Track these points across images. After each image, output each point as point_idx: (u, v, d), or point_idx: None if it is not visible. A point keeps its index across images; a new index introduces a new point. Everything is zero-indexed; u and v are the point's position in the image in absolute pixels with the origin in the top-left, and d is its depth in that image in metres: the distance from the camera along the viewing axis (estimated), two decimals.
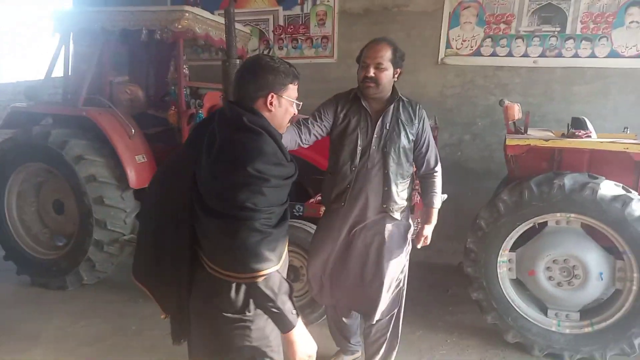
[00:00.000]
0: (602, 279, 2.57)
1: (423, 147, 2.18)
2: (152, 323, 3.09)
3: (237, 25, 3.50)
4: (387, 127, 2.08)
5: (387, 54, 2.04)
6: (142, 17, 3.32)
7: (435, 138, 2.73)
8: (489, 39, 4.25)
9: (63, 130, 3.44)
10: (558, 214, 2.61)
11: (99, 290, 3.57)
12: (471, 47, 4.31)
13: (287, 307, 1.31)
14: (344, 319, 2.42)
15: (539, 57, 4.14)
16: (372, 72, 2.03)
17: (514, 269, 2.73)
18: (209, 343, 1.43)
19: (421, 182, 2.31)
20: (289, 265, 1.86)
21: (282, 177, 1.33)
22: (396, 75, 2.11)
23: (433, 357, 2.72)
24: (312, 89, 5.09)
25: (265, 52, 4.98)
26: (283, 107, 1.43)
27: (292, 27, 4.84)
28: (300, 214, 3.21)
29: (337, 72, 4.75)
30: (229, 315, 1.35)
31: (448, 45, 4.37)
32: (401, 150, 2.09)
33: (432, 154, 2.21)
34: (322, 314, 2.93)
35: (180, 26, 3.29)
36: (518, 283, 2.78)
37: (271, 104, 1.39)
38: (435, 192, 2.24)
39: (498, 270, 2.71)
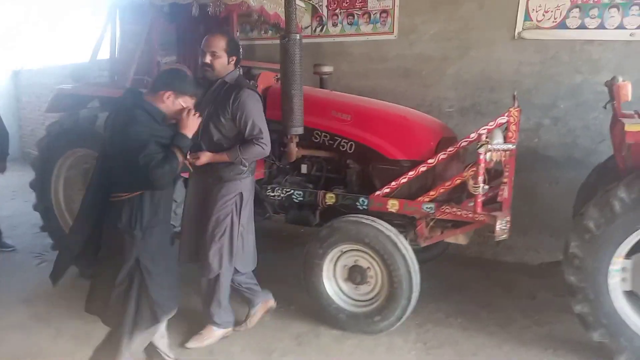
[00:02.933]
0: None
1: (242, 125, 2.48)
2: None
3: None
4: (215, 104, 2.47)
5: (220, 44, 2.47)
6: None
7: (517, 121, 2.60)
8: (577, 9, 3.70)
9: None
10: None
11: None
12: (555, 18, 3.77)
13: None
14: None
15: (637, 29, 3.57)
16: (207, 59, 2.46)
17: (629, 279, 2.30)
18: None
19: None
20: (354, 266, 2.71)
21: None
22: (232, 62, 2.54)
23: None
24: (369, 69, 4.70)
25: (319, 29, 4.60)
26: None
27: (347, 0, 4.43)
28: (365, 207, 2.88)
29: (397, 49, 4.33)
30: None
31: (527, 17, 3.85)
32: (217, 127, 2.48)
33: (252, 130, 2.49)
34: (394, 322, 2.61)
35: None
36: (634, 296, 2.34)
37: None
38: (241, 150, 2.48)
39: (609, 281, 2.29)
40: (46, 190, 3.61)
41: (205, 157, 2.46)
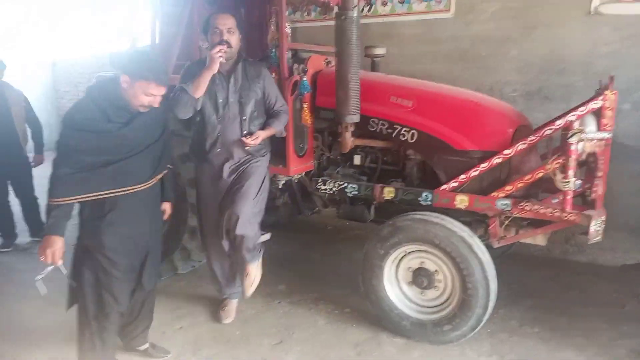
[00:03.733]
0: None
1: (271, 99, 2.60)
2: (258, 327, 2.68)
3: None
4: (240, 82, 2.51)
5: (232, 21, 2.46)
6: None
7: (613, 106, 2.25)
8: None
9: None
10: None
11: (191, 280, 3.23)
12: None
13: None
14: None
15: None
16: (225, 36, 2.41)
17: None
18: None
19: (270, 114, 2.63)
20: (420, 269, 2.47)
21: None
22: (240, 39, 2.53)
23: None
24: (421, 51, 4.36)
25: (366, 9, 4.29)
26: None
27: None
28: (429, 203, 2.60)
29: (453, 29, 3.99)
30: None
31: None
32: (253, 100, 2.53)
33: (280, 102, 2.64)
34: (467, 332, 2.33)
35: None
36: None
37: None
38: (279, 120, 2.59)
39: None
40: None
41: (262, 134, 2.50)
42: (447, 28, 4.00)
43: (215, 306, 2.84)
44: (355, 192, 2.84)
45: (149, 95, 1.91)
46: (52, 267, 1.89)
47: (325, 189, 2.96)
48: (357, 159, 3.05)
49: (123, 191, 1.94)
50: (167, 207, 2.37)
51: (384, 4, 4.18)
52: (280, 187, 3.10)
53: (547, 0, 3.60)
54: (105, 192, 1.91)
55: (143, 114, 1.99)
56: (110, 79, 1.97)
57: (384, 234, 2.47)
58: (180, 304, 2.93)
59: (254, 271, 2.57)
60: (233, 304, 2.81)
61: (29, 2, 8.14)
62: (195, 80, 2.37)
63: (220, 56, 2.33)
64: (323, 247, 3.90)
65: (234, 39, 2.46)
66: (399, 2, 4.13)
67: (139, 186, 2.00)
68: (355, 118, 2.59)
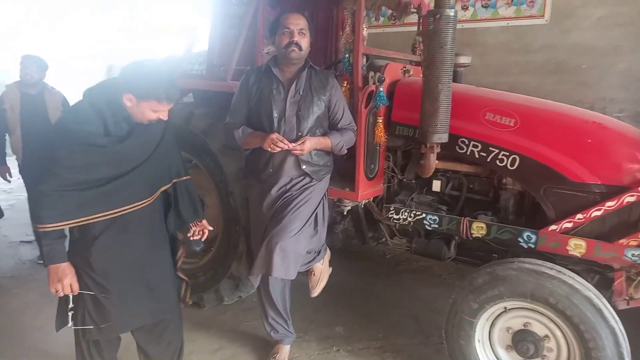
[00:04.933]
0: None
1: (337, 113, 2.27)
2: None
3: None
4: (301, 93, 2.18)
5: (305, 22, 2.18)
6: None
7: None
8: None
9: (208, 110, 2.74)
10: None
11: (237, 313, 2.86)
12: None
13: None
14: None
15: None
16: (296, 37, 2.13)
17: None
18: None
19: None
20: (522, 331, 1.97)
21: None
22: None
23: None
24: (508, 61, 3.83)
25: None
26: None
27: None
28: (532, 245, 2.10)
29: (548, 37, 3.47)
30: None
31: None
32: (314, 115, 2.19)
33: (347, 119, 2.30)
34: None
35: None
36: None
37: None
38: (341, 135, 2.25)
39: None
40: None
41: (310, 142, 2.13)
42: (539, 36, 3.48)
43: (264, 350, 2.46)
44: (436, 225, 2.39)
45: (157, 112, 1.66)
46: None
47: (399, 218, 2.52)
48: (436, 185, 2.59)
49: (118, 212, 1.66)
50: (202, 225, 2.00)
51: (465, 8, 3.72)
52: (345, 213, 2.69)
53: None
54: (98, 214, 1.63)
55: (144, 128, 1.70)
56: (114, 83, 1.66)
57: (479, 283, 1.99)
58: (223, 342, 2.57)
59: (319, 268, 2.29)
60: (285, 351, 2.41)
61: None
62: (250, 135, 2.19)
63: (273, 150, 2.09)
64: (383, 280, 3.45)
65: (305, 42, 2.17)
66: (483, 6, 3.65)
67: (136, 205, 1.70)
68: (444, 137, 2.15)
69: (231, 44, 2.88)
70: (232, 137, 2.24)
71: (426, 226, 2.43)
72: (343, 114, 2.28)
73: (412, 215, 2.47)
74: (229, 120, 2.30)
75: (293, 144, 2.10)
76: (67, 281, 1.63)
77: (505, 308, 1.98)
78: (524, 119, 2.23)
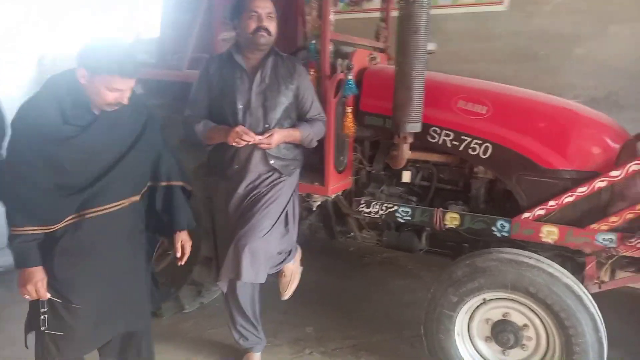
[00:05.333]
0: None
1: (306, 103, 2.13)
2: None
3: None
4: (267, 82, 2.04)
5: (271, 5, 2.04)
6: None
7: None
8: None
9: (161, 102, 2.52)
10: None
11: (199, 321, 2.68)
12: None
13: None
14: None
15: None
16: (264, 22, 1.99)
17: None
18: None
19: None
20: (502, 322, 1.94)
21: None
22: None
23: None
24: (469, 48, 3.83)
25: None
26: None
27: None
28: (505, 234, 2.08)
29: (508, 24, 3.48)
30: None
31: None
32: (282, 106, 2.05)
33: (316, 109, 2.17)
34: None
35: None
36: None
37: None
38: (310, 126, 2.12)
39: None
40: None
41: (278, 135, 1.99)
42: (500, 23, 3.49)
43: (232, 356, 2.31)
44: (408, 218, 2.33)
45: (114, 91, 1.50)
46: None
47: (370, 212, 2.44)
48: (406, 176, 2.52)
49: (88, 214, 1.52)
50: (180, 237, 1.82)
51: None
52: (314, 209, 2.57)
53: None
54: (69, 218, 1.50)
55: (108, 116, 1.55)
56: (73, 69, 1.53)
57: (458, 276, 1.94)
58: (188, 354, 2.39)
59: (290, 269, 2.18)
60: (256, 359, 2.27)
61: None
62: (213, 129, 2.03)
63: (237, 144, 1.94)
64: (349, 274, 3.38)
65: (273, 26, 2.02)
66: None
67: (108, 207, 1.56)
68: (418, 127, 2.06)
69: (185, 30, 2.66)
70: (193, 131, 2.05)
71: (398, 219, 2.36)
72: (312, 104, 2.15)
73: (384, 208, 2.40)
74: (189, 113, 2.11)
75: (260, 137, 1.95)
76: (34, 283, 1.50)
77: (484, 299, 1.95)
78: (496, 106, 2.19)
